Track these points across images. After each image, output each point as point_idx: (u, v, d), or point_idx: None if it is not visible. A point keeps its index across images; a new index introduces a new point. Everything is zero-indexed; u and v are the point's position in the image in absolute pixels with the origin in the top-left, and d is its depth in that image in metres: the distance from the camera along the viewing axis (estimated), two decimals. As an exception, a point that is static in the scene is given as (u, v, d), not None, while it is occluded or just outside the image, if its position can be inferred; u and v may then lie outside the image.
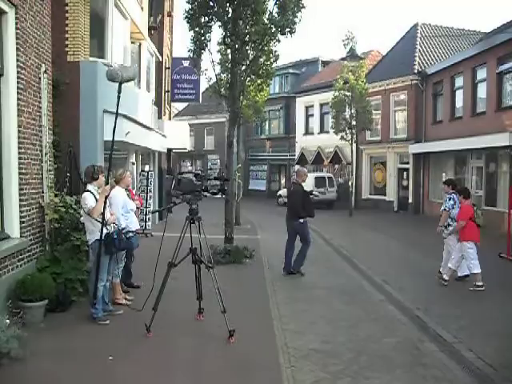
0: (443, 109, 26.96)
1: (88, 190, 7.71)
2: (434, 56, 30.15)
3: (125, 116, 12.86)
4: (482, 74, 23.11)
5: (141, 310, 7.24)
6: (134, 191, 11.78)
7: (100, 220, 7.47)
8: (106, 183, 7.78)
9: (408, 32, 33.21)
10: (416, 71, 28.73)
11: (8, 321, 6.19)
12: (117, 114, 7.57)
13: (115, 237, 7.57)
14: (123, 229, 8.01)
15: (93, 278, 7.60)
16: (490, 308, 8.95)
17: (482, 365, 6.27)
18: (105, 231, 7.49)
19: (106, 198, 7.58)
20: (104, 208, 7.49)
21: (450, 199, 11.04)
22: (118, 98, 7.53)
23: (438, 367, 6.40)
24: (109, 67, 8.17)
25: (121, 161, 16.57)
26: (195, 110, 48.40)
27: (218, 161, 48.59)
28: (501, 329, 7.82)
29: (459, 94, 25.42)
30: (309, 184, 33.20)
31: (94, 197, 7.63)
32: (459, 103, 25.44)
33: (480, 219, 10.64)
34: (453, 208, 10.89)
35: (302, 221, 11.73)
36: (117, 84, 7.52)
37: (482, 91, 23.35)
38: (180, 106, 51.51)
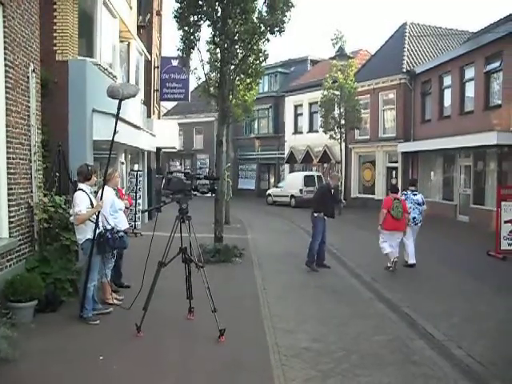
0: (432, 108, 27.10)
1: (80, 189, 7.68)
2: (422, 55, 30.29)
3: (114, 115, 12.77)
4: (469, 73, 23.26)
5: (129, 308, 7.23)
6: (123, 191, 11.73)
7: (92, 220, 7.47)
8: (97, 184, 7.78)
9: (397, 31, 33.33)
10: (405, 70, 28.85)
11: (-3, 321, 6.15)
12: (115, 131, 7.56)
13: (109, 236, 7.54)
14: (112, 228, 7.98)
15: (83, 278, 7.57)
16: (479, 306, 9.00)
17: (471, 362, 6.31)
18: (97, 230, 7.47)
19: (99, 213, 7.57)
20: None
21: (402, 195, 12.98)
22: (117, 114, 7.56)
23: (428, 365, 6.44)
24: (110, 84, 8.17)
25: (110, 160, 16.47)
26: (184, 109, 48.31)
27: (207, 160, 48.54)
28: (490, 326, 7.87)
29: (447, 93, 25.57)
30: (298, 183, 33.57)
31: (88, 195, 7.60)
32: (447, 102, 25.59)
33: (395, 212, 11.93)
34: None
35: (316, 215, 12.59)
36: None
37: (469, 90, 23.51)
38: (169, 105, 51.42)
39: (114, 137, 7.57)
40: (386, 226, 12.07)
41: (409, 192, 13.07)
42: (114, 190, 9.21)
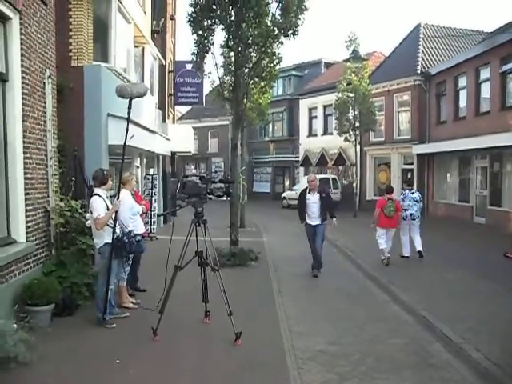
0: (447, 109, 26.91)
1: (97, 194, 7.73)
2: (437, 56, 30.09)
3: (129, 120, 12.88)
4: (485, 73, 23.07)
5: (154, 309, 7.27)
6: (140, 195, 11.81)
7: (109, 224, 7.52)
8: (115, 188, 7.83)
9: (411, 33, 33.14)
10: (419, 72, 28.67)
11: (15, 325, 6.19)
12: (127, 131, 7.59)
13: (126, 240, 7.59)
14: (130, 232, 8.02)
15: (100, 282, 7.62)
16: (496, 308, 8.92)
17: (489, 365, 6.25)
18: (114, 234, 7.52)
19: (117, 212, 7.61)
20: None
21: (401, 194, 14.44)
22: (129, 113, 7.61)
23: (445, 368, 6.40)
24: (119, 84, 8.24)
25: (126, 164, 16.50)
26: (198, 113, 48.42)
27: (222, 163, 48.61)
28: (507, 329, 7.79)
29: (463, 94, 25.37)
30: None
31: (104, 200, 7.65)
32: (463, 103, 25.40)
33: (387, 211, 12.98)
34: (403, 201, 13.88)
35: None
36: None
37: (485, 91, 23.30)
38: (183, 109, 51.56)
39: (126, 138, 7.61)
40: (380, 223, 13.19)
41: (407, 191, 14.35)
42: (132, 194, 9.28)
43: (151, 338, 6.93)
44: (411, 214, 13.78)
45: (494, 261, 13.50)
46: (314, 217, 11.93)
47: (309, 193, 12.08)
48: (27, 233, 7.82)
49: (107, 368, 6.03)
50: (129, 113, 7.63)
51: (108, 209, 7.65)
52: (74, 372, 5.89)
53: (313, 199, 11.96)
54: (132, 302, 8.71)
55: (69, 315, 7.87)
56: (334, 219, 12.17)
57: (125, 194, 8.61)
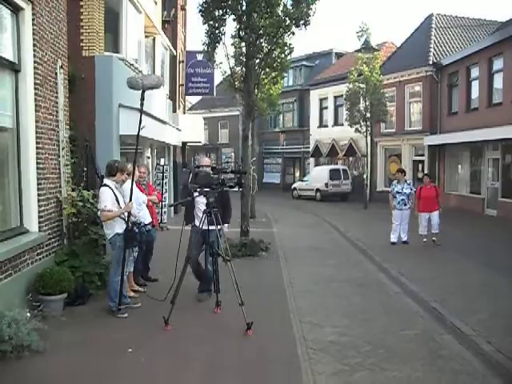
0: (459, 100, 26.71)
1: (105, 185, 7.75)
2: (449, 47, 29.86)
3: (140, 110, 12.89)
4: (498, 64, 22.87)
5: (163, 300, 7.31)
6: (152, 186, 11.83)
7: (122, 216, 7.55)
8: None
9: (423, 23, 32.90)
10: (431, 62, 28.47)
11: (28, 314, 6.26)
12: (140, 122, 7.60)
13: (136, 231, 7.61)
14: (140, 223, 8.04)
15: (112, 272, 7.66)
16: (508, 301, 8.86)
17: (500, 358, 6.22)
18: (124, 225, 7.54)
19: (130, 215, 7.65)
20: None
21: (408, 184, 15.32)
22: (141, 105, 7.61)
23: (457, 360, 6.38)
24: (130, 76, 8.24)
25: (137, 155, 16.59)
26: (209, 103, 48.42)
27: (232, 154, 48.66)
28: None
29: (475, 85, 25.17)
30: (323, 177, 33.43)
31: (112, 191, 7.67)
32: (475, 94, 25.20)
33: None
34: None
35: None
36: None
37: (498, 82, 23.10)
38: (194, 99, 51.56)
39: (139, 129, 7.61)
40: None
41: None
42: (144, 185, 9.30)
43: (163, 327, 6.96)
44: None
45: (507, 253, 13.43)
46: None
47: None
48: (39, 223, 7.87)
49: (119, 356, 6.07)
50: (141, 104, 7.64)
51: (116, 199, 7.67)
52: (86, 360, 5.94)
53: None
54: (138, 291, 8.85)
55: (81, 304, 7.92)
56: (226, 225, 8.63)
57: (129, 184, 8.60)
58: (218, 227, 7.60)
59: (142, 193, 9.22)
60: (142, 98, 7.66)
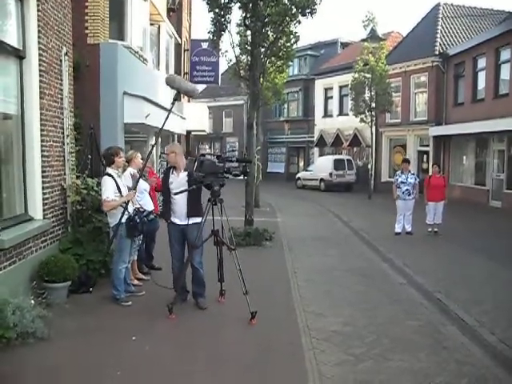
0: (465, 91, 26.57)
1: (107, 173, 7.72)
2: (455, 37, 29.65)
3: (144, 98, 12.89)
4: (505, 54, 22.72)
5: (172, 288, 7.33)
6: (154, 171, 11.84)
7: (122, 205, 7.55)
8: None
9: (429, 12, 32.64)
10: (437, 52, 28.31)
11: (33, 301, 6.27)
12: (166, 119, 7.79)
13: (138, 220, 7.59)
14: (143, 211, 8.01)
15: (115, 260, 7.67)
16: (512, 292, 8.88)
17: (504, 349, 6.22)
18: (126, 214, 7.52)
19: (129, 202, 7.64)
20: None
21: (412, 174, 15.15)
22: (172, 103, 7.83)
23: (461, 351, 6.37)
24: (172, 74, 8.36)
25: (141, 143, 16.61)
26: (213, 92, 48.29)
27: (237, 143, 48.59)
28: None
29: (481, 76, 25.02)
30: (328, 167, 33.37)
31: (114, 180, 7.64)
32: (481, 85, 25.06)
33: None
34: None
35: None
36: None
37: (505, 73, 22.97)
38: (198, 88, 51.42)
39: (164, 123, 7.82)
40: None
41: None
42: (144, 175, 9.28)
43: (167, 316, 6.96)
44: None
45: (511, 245, 13.40)
46: (179, 212, 7.52)
47: (172, 173, 7.66)
48: (44, 210, 7.87)
49: (124, 344, 6.08)
50: (172, 103, 7.82)
51: (118, 188, 7.65)
52: (90, 347, 5.95)
53: (176, 183, 7.50)
54: (142, 279, 8.88)
55: (85, 292, 7.93)
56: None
57: (129, 172, 8.58)
58: (199, 220, 7.25)
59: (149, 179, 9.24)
60: (175, 98, 7.73)
